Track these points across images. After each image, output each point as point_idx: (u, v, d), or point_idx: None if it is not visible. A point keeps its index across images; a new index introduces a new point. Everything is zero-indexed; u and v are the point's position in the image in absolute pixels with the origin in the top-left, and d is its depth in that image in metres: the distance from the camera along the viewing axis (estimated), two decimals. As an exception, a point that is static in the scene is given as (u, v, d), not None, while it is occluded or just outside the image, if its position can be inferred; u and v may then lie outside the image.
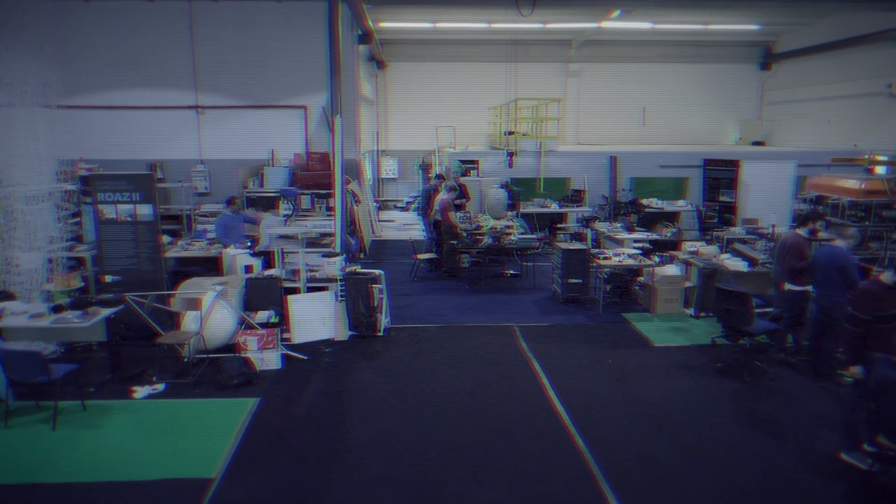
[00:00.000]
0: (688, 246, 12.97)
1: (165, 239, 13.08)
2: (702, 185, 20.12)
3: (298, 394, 8.64)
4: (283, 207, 13.15)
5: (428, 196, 16.15)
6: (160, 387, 8.81)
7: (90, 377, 8.98)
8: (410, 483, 6.55)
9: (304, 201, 16.59)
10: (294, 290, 10.85)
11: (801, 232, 9.43)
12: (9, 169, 9.88)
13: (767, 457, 7.00)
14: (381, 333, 10.84)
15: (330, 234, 12.81)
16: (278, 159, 19.20)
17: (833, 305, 8.63)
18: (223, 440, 7.35)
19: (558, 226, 18.99)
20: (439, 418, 7.91)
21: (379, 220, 22.80)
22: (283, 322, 10.53)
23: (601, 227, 16.67)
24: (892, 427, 5.96)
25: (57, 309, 9.02)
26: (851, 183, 14.80)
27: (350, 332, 10.73)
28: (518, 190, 18.08)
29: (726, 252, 12.59)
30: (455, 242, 14.35)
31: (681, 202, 19.98)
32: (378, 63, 27.11)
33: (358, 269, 10.86)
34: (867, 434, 6.27)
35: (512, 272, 15.17)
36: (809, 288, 9.24)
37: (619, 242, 15.40)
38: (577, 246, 12.87)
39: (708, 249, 12.31)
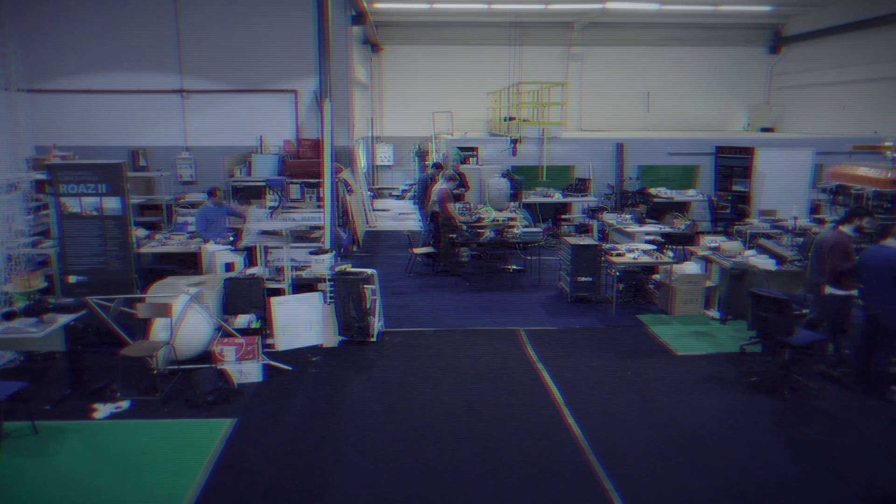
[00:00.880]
0: (707, 241, 11.97)
1: (142, 232, 12.07)
2: (713, 173, 19.11)
3: (280, 413, 7.64)
4: (269, 199, 12.15)
5: (425, 186, 15.13)
6: (124, 404, 7.80)
7: (46, 392, 7.99)
8: (407, 529, 5.57)
9: (294, 191, 15.55)
10: (278, 292, 9.84)
11: (846, 230, 8.42)
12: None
13: (827, 498, 6.02)
14: (374, 339, 9.84)
15: (319, 228, 11.79)
16: (267, 146, 18.15)
17: (885, 313, 7.64)
18: (190, 474, 6.34)
19: (563, 217, 17.99)
20: (439, 446, 6.91)
21: (373, 210, 21.78)
22: (265, 327, 9.52)
23: (609, 218, 15.66)
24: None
25: (9, 316, 7.99)
26: (875, 172, 13.81)
27: (340, 338, 9.73)
28: (520, 179, 17.06)
29: (750, 248, 11.59)
30: (454, 236, 13.35)
31: (691, 192, 19.00)
32: (373, 46, 26.03)
33: (348, 267, 9.83)
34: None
35: (515, 267, 14.18)
36: (854, 293, 8.25)
37: (630, 236, 14.41)
38: (587, 241, 11.87)
39: (730, 245, 11.31)
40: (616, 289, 11.64)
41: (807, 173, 17.99)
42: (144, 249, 11.53)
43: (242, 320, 9.26)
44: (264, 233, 9.69)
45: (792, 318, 7.64)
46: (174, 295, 8.60)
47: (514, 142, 17.78)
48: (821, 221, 14.62)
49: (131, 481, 6.23)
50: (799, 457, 6.66)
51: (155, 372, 8.16)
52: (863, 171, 14.16)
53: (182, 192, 18.17)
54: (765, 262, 10.60)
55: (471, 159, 18.53)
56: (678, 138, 20.07)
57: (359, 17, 19.26)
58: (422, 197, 15.10)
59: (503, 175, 16.84)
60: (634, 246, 12.10)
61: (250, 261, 10.44)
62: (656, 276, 11.84)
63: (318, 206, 15.63)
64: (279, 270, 9.96)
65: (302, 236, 12.31)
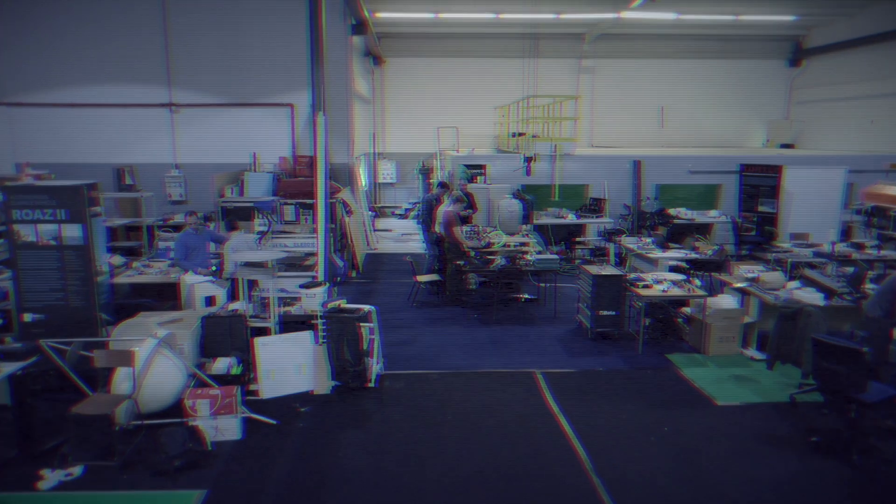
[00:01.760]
0: (743, 270, 10.78)
1: (117, 260, 10.93)
2: (737, 193, 17.92)
3: (258, 483, 6.45)
4: (259, 222, 11.02)
5: (429, 207, 13.96)
6: (76, 470, 6.62)
7: (-14, 455, 6.83)
8: None
9: (289, 212, 14.42)
10: (264, 331, 8.68)
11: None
12: None
13: None
14: (371, 384, 8.65)
15: (314, 255, 10.64)
16: (261, 164, 17.06)
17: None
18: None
19: (577, 239, 16.81)
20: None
21: (375, 231, 20.64)
22: (248, 371, 8.34)
23: (629, 242, 14.49)
24: None
25: (-54, 364, 6.84)
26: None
27: (333, 383, 8.54)
28: (531, 199, 15.89)
29: (793, 279, 10.40)
30: (461, 263, 12.18)
31: (713, 212, 17.83)
32: (375, 58, 24.97)
33: (343, 303, 8.65)
34: None
35: (528, 296, 13.01)
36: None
37: (653, 262, 13.23)
38: (609, 270, 10.68)
39: (772, 277, 10.12)
40: (642, 324, 10.45)
41: (838, 193, 16.82)
42: (119, 279, 10.39)
43: (222, 364, 8.10)
44: (248, 264, 8.52)
45: (866, 372, 6.44)
46: (141, 338, 7.43)
47: (529, 160, 16.58)
48: (859, 246, 13.46)
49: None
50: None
51: (116, 428, 6.99)
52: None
53: (170, 213, 17.06)
54: (813, 297, 9.42)
55: (478, 178, 17.39)
56: (699, 155, 18.92)
57: (360, 27, 18.20)
58: (426, 219, 13.95)
59: (513, 195, 15.68)
60: (662, 276, 10.91)
61: (234, 294, 9.30)
62: (686, 310, 10.65)
63: (315, 230, 14.50)
64: (265, 306, 8.79)
65: (295, 263, 11.17)
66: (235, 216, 13.61)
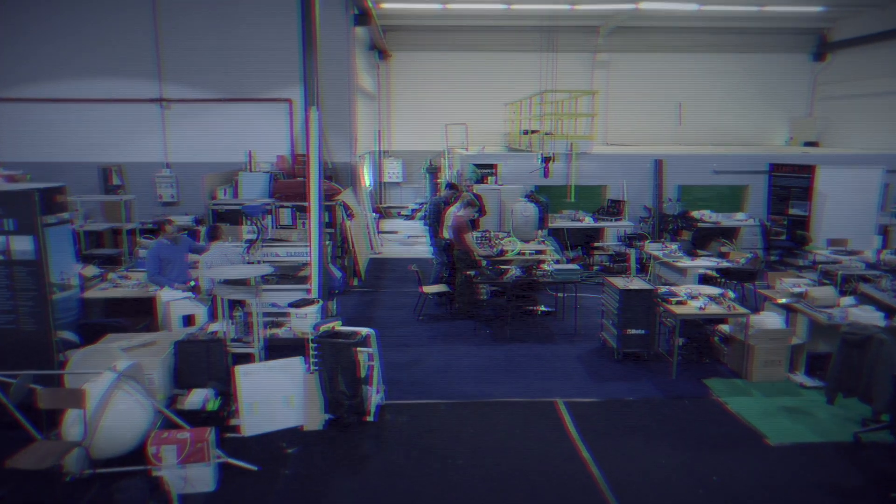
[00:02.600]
0: (786, 284, 9.63)
1: (90, 271, 9.84)
2: (766, 194, 16.76)
3: (230, 551, 5.36)
4: (247, 230, 9.90)
5: (437, 210, 12.82)
6: (14, 533, 5.55)
7: None
8: None
9: (284, 216, 13.31)
10: (247, 357, 7.58)
11: None
12: None
13: None
14: (370, 418, 7.53)
15: (306, 264, 9.53)
16: (257, 163, 15.99)
17: None
18: None
19: (595, 244, 15.67)
20: None
21: (379, 233, 19.55)
22: (227, 405, 7.25)
23: (653, 249, 13.35)
24: None
25: None
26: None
27: (326, 417, 7.43)
28: (545, 201, 14.74)
29: (846, 294, 9.25)
30: (472, 273, 11.06)
31: (739, 215, 16.66)
32: (380, 52, 23.86)
33: (338, 325, 7.53)
34: None
35: (544, 309, 11.89)
36: None
37: (681, 272, 12.10)
38: (638, 284, 9.55)
39: (823, 293, 8.97)
40: (677, 345, 9.31)
41: (875, 194, 15.68)
42: (90, 294, 9.30)
43: (197, 397, 7.00)
44: (226, 282, 7.41)
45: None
46: (98, 371, 6.34)
47: (546, 160, 15.42)
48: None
49: None
50: None
51: (67, 479, 5.90)
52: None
53: (161, 216, 15.99)
54: (872, 316, 8.27)
55: (489, 178, 16.27)
56: (724, 154, 17.74)
57: (363, 17, 17.11)
58: (433, 223, 12.81)
59: (527, 197, 14.54)
60: (697, 289, 9.76)
61: (216, 312, 8.21)
62: (724, 328, 9.51)
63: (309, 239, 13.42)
64: (248, 327, 7.69)
65: (289, 275, 10.08)
66: (225, 222, 12.52)
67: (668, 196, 16.85)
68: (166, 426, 6.58)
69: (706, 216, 16.31)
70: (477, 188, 15.05)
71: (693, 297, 9.33)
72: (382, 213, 23.83)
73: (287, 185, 14.16)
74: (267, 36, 16.06)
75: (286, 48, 16.08)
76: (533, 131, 19.52)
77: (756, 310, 11.78)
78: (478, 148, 21.01)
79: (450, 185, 13.68)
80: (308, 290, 8.82)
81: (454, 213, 11.71)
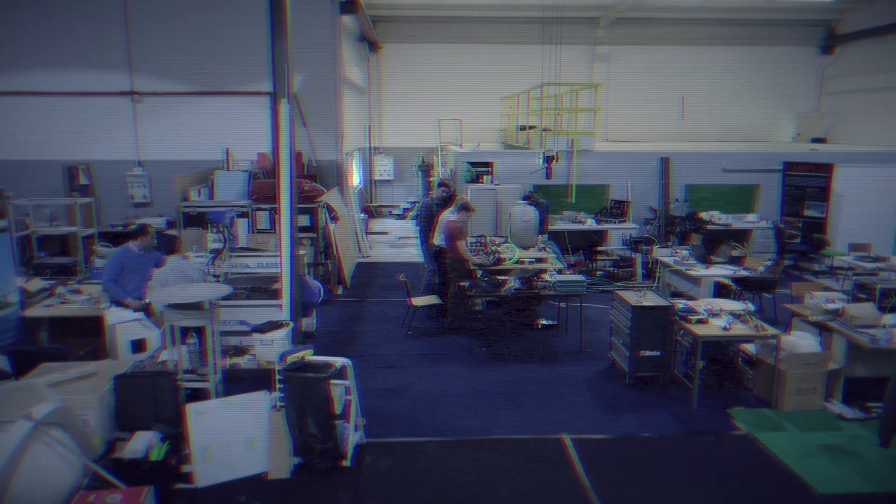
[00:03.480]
0: (818, 299, 8.58)
1: (35, 285, 8.74)
2: (780, 194, 15.72)
3: None
4: (212, 238, 8.80)
5: (429, 213, 11.74)
6: None
7: None
8: None
9: (262, 219, 12.22)
10: (202, 393, 6.50)
11: None
12: None
13: None
14: (347, 462, 6.45)
15: (275, 279, 8.43)
16: (236, 161, 14.89)
17: None
18: None
19: (598, 248, 14.61)
20: None
21: (368, 234, 18.48)
22: (176, 450, 6.16)
23: (662, 254, 12.31)
24: None
25: None
26: None
27: (294, 461, 6.35)
28: (545, 202, 13.67)
29: (886, 311, 8.19)
30: (466, 284, 9.97)
31: (751, 216, 15.60)
32: (371, 44, 22.72)
33: (309, 354, 6.44)
34: None
35: (545, 322, 10.82)
36: None
37: (695, 281, 11.05)
38: (652, 299, 8.48)
39: (861, 310, 7.92)
40: (694, 366, 8.25)
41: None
42: (33, 311, 8.20)
43: (140, 443, 5.92)
44: (174, 306, 6.30)
45: None
46: (10, 420, 5.24)
47: (549, 160, 14.31)
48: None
49: None
50: None
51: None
52: None
53: (132, 217, 14.92)
54: (922, 339, 7.23)
55: (484, 177, 15.18)
56: (734, 152, 16.69)
57: (350, 5, 15.99)
58: (425, 227, 11.70)
59: (525, 198, 13.46)
60: (717, 304, 8.70)
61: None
62: (749, 348, 8.46)
63: (297, 242, 12.32)
64: (203, 359, 6.60)
65: (262, 288, 8.99)
66: (197, 226, 11.41)
67: (675, 196, 15.79)
68: (97, 484, 5.49)
69: (715, 217, 15.27)
70: (474, 188, 14.00)
71: (714, 315, 8.27)
72: (372, 212, 22.74)
73: (266, 185, 13.03)
74: (246, 24, 14.95)
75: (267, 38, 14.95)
76: (530, 127, 18.45)
77: (775, 321, 10.81)
78: (472, 145, 19.97)
79: (442, 184, 12.57)
80: (281, 309, 7.74)
81: (447, 218, 10.64)
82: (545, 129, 16.47)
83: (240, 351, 7.04)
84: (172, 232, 10.14)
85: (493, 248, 11.34)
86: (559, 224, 14.87)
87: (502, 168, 15.32)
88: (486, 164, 15.33)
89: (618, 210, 15.40)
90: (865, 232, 14.34)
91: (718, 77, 24.17)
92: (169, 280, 7.46)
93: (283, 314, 7.55)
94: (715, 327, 7.90)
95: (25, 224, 12.72)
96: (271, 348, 6.59)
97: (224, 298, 8.37)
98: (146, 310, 7.60)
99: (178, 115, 15.28)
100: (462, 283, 10.04)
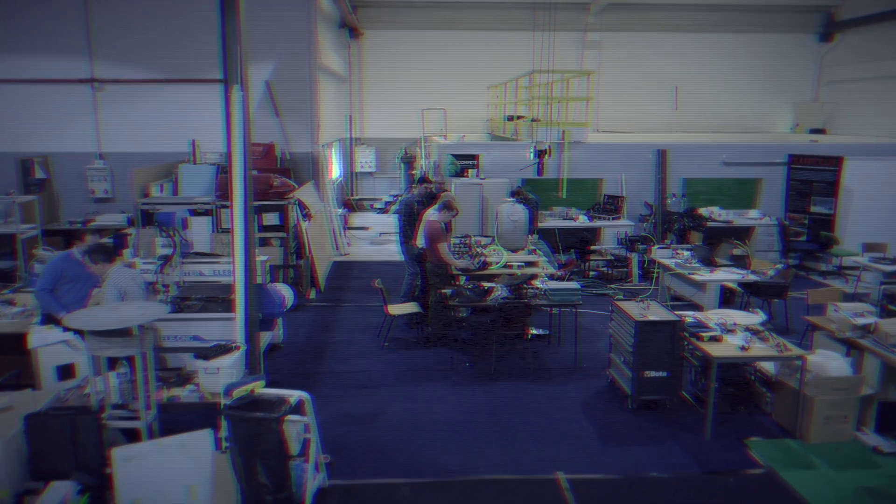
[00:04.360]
0: (843, 311, 7.64)
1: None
2: (784, 189, 14.79)
3: None
4: (160, 244, 7.74)
5: (410, 211, 10.70)
6: None
7: None
8: None
9: (228, 218, 11.17)
10: (132, 435, 5.49)
11: None
12: None
13: None
14: (306, 512, 5.46)
15: (226, 298, 7.38)
16: (203, 154, 13.85)
17: None
18: None
19: (591, 247, 13.64)
20: None
21: (347, 229, 17.48)
22: (98, 503, 5.15)
23: (661, 255, 11.38)
24: None
25: None
26: None
27: (245, 513, 5.36)
28: (534, 198, 12.69)
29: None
30: (448, 292, 8.98)
31: (753, 212, 14.69)
32: (351, 30, 21.61)
33: (260, 387, 5.42)
34: None
35: (536, 332, 9.86)
36: None
37: (700, 286, 10.13)
38: (658, 313, 7.52)
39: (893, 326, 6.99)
40: (705, 387, 7.32)
41: (906, 190, 13.83)
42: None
43: (54, 495, 4.91)
44: (95, 334, 5.26)
45: None
46: None
47: (541, 154, 13.32)
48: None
49: None
50: None
51: None
52: None
53: (93, 214, 13.86)
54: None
55: (469, 171, 14.18)
56: (734, 143, 15.75)
57: (326, -14, 14.93)
58: (406, 226, 10.66)
59: (513, 195, 12.44)
60: (730, 316, 7.75)
61: (111, 363, 6.06)
62: (768, 368, 7.52)
63: (265, 243, 11.33)
64: (133, 393, 5.58)
65: (218, 298, 7.97)
66: (154, 225, 10.33)
67: (672, 191, 14.83)
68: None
69: (715, 213, 14.35)
70: (459, 182, 13.01)
71: (729, 331, 7.32)
72: (353, 206, 21.69)
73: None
74: (214, 7, 13.85)
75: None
76: (518, 117, 17.46)
77: (787, 329, 9.91)
78: (457, 136, 18.96)
79: (423, 180, 11.54)
80: (231, 338, 6.72)
81: (428, 217, 9.64)
82: (534, 120, 15.50)
83: (182, 379, 6.03)
84: (107, 240, 9.05)
85: (478, 249, 10.34)
86: (549, 221, 13.91)
87: (489, 161, 14.32)
88: (472, 157, 14.33)
89: (611, 206, 14.46)
90: (876, 230, 13.46)
91: (713, 65, 23.22)
92: (108, 296, 6.40)
93: (238, 333, 6.53)
94: (731, 346, 6.94)
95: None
96: (217, 378, 5.59)
97: (176, 310, 7.41)
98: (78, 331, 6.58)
99: (142, 103, 14.18)
100: (443, 291, 9.05)
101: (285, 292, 10.83)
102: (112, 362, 5.51)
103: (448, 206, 9.54)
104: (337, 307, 11.38)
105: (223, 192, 11.42)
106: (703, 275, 10.14)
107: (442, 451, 6.60)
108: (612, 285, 12.76)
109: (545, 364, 8.89)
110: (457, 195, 12.65)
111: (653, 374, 7.34)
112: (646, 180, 14.88)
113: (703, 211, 14.42)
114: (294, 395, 5.38)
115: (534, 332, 9.81)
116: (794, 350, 6.91)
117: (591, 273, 13.37)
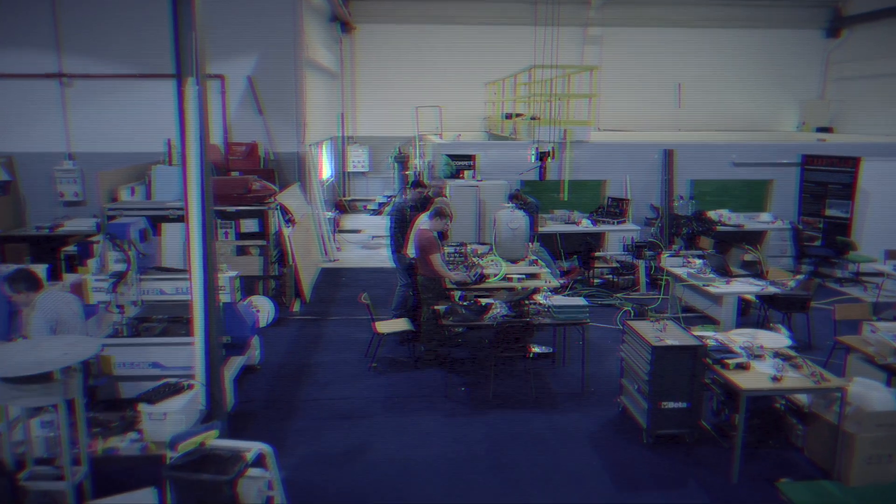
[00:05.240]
0: (881, 332, 6.80)
1: None
2: (797, 191, 13.96)
3: None
4: (113, 259, 6.87)
5: (401, 217, 9.82)
6: None
7: None
8: None
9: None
10: (56, 498, 4.63)
11: None
12: None
13: None
14: (270, 583, 4.61)
15: (181, 321, 6.50)
16: (179, 153, 12.92)
17: None
18: None
19: (595, 254, 12.80)
20: None
21: (338, 231, 16.63)
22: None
23: (671, 264, 10.55)
24: None
25: None
26: None
27: (197, 585, 4.49)
28: (534, 202, 11.79)
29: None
30: (442, 309, 8.11)
31: (764, 216, 13.88)
32: (343, 25, 20.71)
33: (213, 437, 4.56)
34: None
35: (538, 350, 9.00)
36: None
37: (716, 299, 9.30)
38: (676, 336, 6.67)
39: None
40: (730, 419, 6.48)
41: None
42: None
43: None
44: (6, 382, 4.36)
45: None
46: None
47: (543, 156, 12.45)
48: None
49: None
50: None
51: None
52: None
53: (61, 218, 12.99)
54: None
55: (465, 172, 13.34)
56: (745, 143, 14.93)
57: (312, -25, 14.05)
58: (397, 233, 9.76)
59: (511, 198, 11.54)
60: (754, 337, 6.91)
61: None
62: (801, 399, 6.67)
63: (243, 251, 10.47)
64: (57, 445, 4.69)
65: (182, 318, 7.11)
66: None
67: (680, 193, 13.99)
68: None
69: (725, 217, 13.53)
70: (454, 183, 12.16)
71: (756, 356, 6.48)
72: (345, 207, 20.83)
73: (219, 183, 11.16)
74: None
75: (217, 10, 13.08)
76: (517, 115, 16.62)
77: (809, 345, 9.11)
78: (453, 135, 18.12)
79: (416, 184, 10.64)
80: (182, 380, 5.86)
81: (420, 226, 8.79)
82: (534, 118, 14.65)
83: (125, 424, 5.16)
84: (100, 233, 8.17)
85: (474, 259, 9.48)
86: (550, 225, 13.08)
87: (486, 161, 13.48)
88: (468, 157, 13.48)
89: (615, 209, 13.61)
90: (889, 233, 12.69)
91: (717, 62, 22.38)
92: (37, 328, 5.50)
93: (197, 365, 5.67)
94: (761, 376, 6.09)
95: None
96: (163, 425, 4.73)
97: (133, 333, 6.56)
98: None
99: (115, 100, 13.31)
100: (436, 308, 8.19)
101: (265, 306, 10.03)
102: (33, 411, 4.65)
103: (441, 214, 8.67)
104: (322, 321, 10.53)
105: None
106: (718, 286, 9.31)
107: (433, 496, 5.74)
108: (619, 294, 11.93)
109: (549, 388, 8.05)
110: (451, 198, 11.86)
111: (671, 404, 6.50)
112: (651, 182, 14.05)
113: (711, 214, 13.61)
114: (252, 447, 4.52)
115: (536, 350, 8.95)
116: (833, 380, 6.06)
117: (596, 281, 12.52)
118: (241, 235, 10.48)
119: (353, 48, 21.62)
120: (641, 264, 12.37)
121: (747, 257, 13.22)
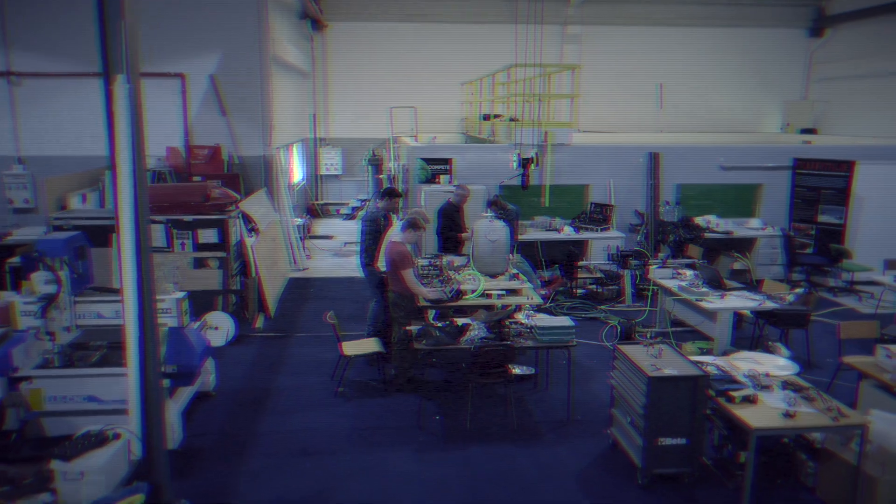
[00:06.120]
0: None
1: None
2: (788, 196, 13.40)
3: None
4: (42, 280, 6.08)
5: (375, 227, 9.01)
6: None
7: None
8: None
9: (156, 235, 9.55)
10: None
11: None
12: None
13: None
14: None
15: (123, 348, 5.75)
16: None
17: None
18: None
19: (578, 263, 12.13)
20: None
21: (308, 237, 15.87)
22: None
23: (661, 276, 9.90)
24: None
25: None
26: None
27: None
28: (514, 209, 11.06)
29: None
30: (415, 331, 7.37)
31: (754, 222, 13.31)
32: (314, 22, 19.93)
33: (138, 503, 3.82)
34: None
35: (520, 371, 8.33)
36: None
37: (710, 315, 8.67)
38: (674, 364, 5.99)
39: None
40: (734, 458, 5.82)
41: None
42: None
43: None
44: None
45: None
46: None
47: (526, 163, 11.76)
48: None
49: None
50: None
51: None
52: None
53: (10, 226, 12.13)
54: None
55: (441, 176, 12.65)
56: (732, 146, 14.35)
57: (279, -31, 13.28)
58: (369, 245, 8.97)
59: (489, 204, 10.82)
60: (761, 363, 6.26)
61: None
62: (814, 435, 6.02)
63: (201, 264, 9.69)
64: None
65: (113, 353, 6.33)
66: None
67: (666, 199, 13.38)
68: None
69: (712, 223, 12.95)
70: (428, 189, 11.46)
71: (763, 387, 5.82)
72: (317, 212, 20.06)
73: (165, 190, 10.38)
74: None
75: (176, 8, 12.33)
76: (495, 116, 15.94)
77: (809, 364, 8.49)
78: (429, 137, 17.41)
79: (388, 193, 9.77)
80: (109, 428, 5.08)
81: (391, 238, 8.06)
82: (513, 119, 13.99)
83: (40, 482, 4.39)
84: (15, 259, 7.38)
85: (450, 272, 8.76)
86: (531, 233, 12.43)
87: (463, 165, 12.79)
88: (444, 161, 12.78)
89: (599, 215, 12.98)
90: (891, 242, 12.16)
91: (699, 61, 21.89)
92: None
93: (130, 403, 4.90)
94: (771, 412, 5.44)
95: None
96: (80, 485, 3.98)
97: (66, 364, 5.79)
98: None
99: (67, 100, 12.48)
100: (408, 328, 7.46)
101: (224, 323, 9.27)
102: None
103: (414, 225, 7.94)
104: (287, 338, 9.77)
105: (154, 204, 9.77)
106: (713, 301, 8.66)
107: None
108: (603, 306, 11.29)
109: (532, 416, 7.36)
110: (426, 206, 11.18)
111: (669, 441, 5.83)
112: (636, 186, 13.44)
113: (699, 220, 13.02)
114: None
115: (517, 371, 8.27)
116: (852, 416, 5.42)
117: (579, 292, 11.86)
118: (198, 247, 9.68)
119: (325, 46, 20.87)
120: (627, 275, 11.73)
121: (736, 265, 12.66)
